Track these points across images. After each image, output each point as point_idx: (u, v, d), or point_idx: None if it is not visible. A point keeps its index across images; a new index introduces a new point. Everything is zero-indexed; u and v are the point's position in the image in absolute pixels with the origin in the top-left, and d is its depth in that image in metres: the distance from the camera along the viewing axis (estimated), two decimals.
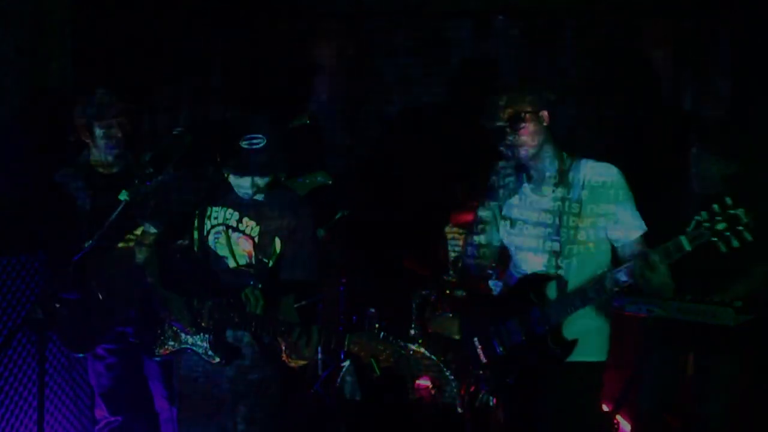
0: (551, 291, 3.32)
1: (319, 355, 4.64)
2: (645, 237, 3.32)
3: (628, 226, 3.31)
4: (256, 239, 3.48)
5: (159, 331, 3.55)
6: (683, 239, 3.00)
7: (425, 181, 5.19)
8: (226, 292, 3.39)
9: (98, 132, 4.03)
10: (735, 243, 2.91)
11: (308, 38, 5.54)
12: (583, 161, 3.38)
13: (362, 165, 5.32)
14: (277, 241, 3.48)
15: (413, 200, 5.24)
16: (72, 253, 3.45)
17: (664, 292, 3.31)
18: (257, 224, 3.49)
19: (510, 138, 3.28)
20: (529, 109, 3.26)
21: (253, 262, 3.47)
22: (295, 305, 3.43)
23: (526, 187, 3.44)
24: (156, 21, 5.23)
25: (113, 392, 4.20)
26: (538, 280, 3.35)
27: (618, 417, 4.39)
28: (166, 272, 3.56)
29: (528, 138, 3.28)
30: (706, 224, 2.95)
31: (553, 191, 3.37)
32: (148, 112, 5.18)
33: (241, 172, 3.39)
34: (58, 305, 3.75)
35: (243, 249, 3.51)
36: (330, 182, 4.44)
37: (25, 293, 4.40)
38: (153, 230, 3.67)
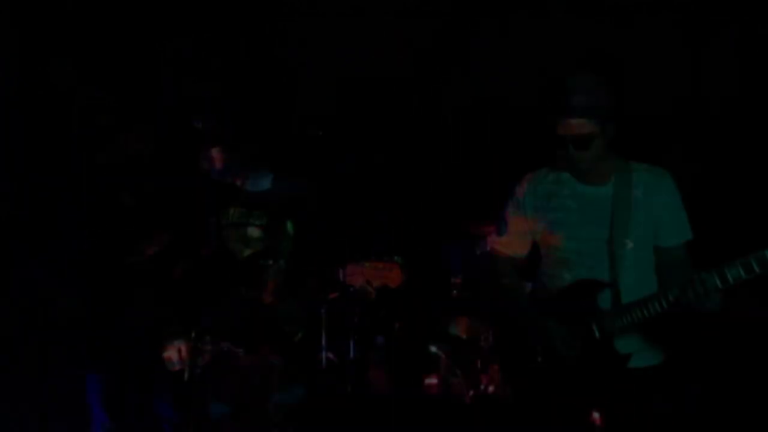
0: (604, 300, 3.02)
1: (324, 354, 4.64)
2: (689, 245, 3.06)
3: (675, 231, 3.06)
4: (265, 224, 3.54)
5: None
6: None
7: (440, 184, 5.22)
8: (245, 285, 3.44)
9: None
10: None
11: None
12: (635, 164, 3.11)
13: (375, 169, 5.36)
14: (290, 225, 3.52)
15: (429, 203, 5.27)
16: (73, 254, 3.45)
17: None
18: (265, 212, 3.55)
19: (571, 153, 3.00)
20: (597, 131, 2.97)
21: (266, 247, 3.51)
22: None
23: (572, 185, 3.14)
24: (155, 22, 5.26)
25: (109, 395, 4.15)
26: (592, 287, 3.03)
27: None
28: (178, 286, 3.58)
29: (591, 152, 3.00)
30: None
31: (604, 187, 3.09)
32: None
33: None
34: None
35: (256, 238, 3.54)
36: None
37: (25, 293, 4.36)
38: None
